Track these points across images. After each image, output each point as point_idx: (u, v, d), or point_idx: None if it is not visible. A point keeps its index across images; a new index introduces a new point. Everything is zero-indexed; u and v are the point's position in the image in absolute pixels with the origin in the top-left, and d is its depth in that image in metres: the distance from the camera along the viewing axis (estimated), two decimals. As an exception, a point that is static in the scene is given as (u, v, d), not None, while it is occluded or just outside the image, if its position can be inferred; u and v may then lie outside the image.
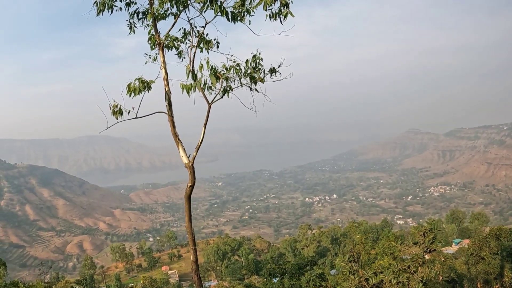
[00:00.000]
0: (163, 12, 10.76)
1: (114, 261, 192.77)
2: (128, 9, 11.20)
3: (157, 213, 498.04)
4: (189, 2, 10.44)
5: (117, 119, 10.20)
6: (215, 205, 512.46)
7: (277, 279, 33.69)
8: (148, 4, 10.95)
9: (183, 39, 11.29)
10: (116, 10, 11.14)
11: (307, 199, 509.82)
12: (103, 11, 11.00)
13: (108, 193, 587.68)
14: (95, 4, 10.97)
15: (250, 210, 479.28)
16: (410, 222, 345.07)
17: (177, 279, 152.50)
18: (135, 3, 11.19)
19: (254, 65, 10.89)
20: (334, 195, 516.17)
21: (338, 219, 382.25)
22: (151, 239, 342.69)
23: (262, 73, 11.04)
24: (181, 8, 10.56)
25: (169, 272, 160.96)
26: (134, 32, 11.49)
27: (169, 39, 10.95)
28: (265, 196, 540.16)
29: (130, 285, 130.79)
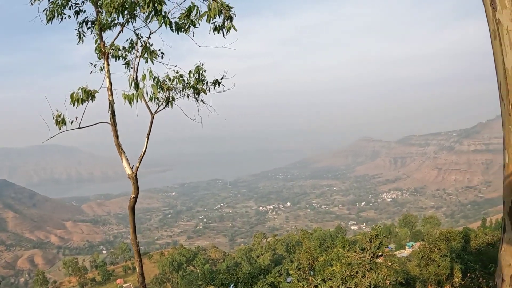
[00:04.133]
0: (110, 21, 10.65)
1: (67, 276, 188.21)
2: (77, 18, 11.03)
3: (110, 225, 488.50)
4: (135, 12, 10.36)
5: (60, 129, 10.01)
6: (169, 216, 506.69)
7: (231, 288, 33.70)
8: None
9: (130, 49, 11.20)
10: (65, 18, 10.94)
11: (261, 207, 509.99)
12: (52, 19, 10.82)
13: (60, 204, 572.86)
14: (45, 12, 10.73)
15: (205, 220, 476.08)
16: (364, 227, 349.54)
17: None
18: (84, 11, 11.03)
19: (197, 76, 10.91)
20: (288, 203, 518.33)
21: (293, 227, 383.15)
22: (104, 251, 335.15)
23: (206, 84, 11.06)
24: (126, 18, 10.47)
25: (124, 285, 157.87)
26: (82, 42, 11.31)
27: (113, 48, 10.82)
28: (219, 206, 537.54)
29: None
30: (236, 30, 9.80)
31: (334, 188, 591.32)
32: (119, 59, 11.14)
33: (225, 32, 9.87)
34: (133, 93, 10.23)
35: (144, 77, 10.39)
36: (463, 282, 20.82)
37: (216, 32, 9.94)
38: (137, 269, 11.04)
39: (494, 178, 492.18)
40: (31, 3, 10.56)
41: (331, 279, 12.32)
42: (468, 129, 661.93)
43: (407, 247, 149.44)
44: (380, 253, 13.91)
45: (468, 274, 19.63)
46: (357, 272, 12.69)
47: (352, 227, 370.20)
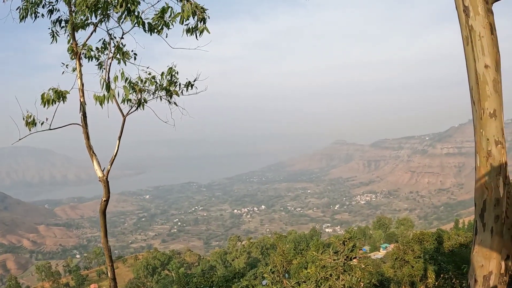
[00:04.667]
0: (83, 20, 10.48)
1: (40, 281, 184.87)
2: (50, 17, 10.83)
3: (83, 229, 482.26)
4: (108, 12, 10.22)
5: (30, 130, 9.81)
6: (143, 219, 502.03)
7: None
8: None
9: (103, 50, 11.04)
10: (38, 17, 10.73)
11: (236, 210, 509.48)
12: (26, 17, 10.61)
13: (32, 208, 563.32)
14: (18, 10, 10.51)
15: (179, 223, 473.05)
16: (339, 230, 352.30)
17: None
18: (58, 10, 10.82)
19: (170, 78, 10.81)
20: (263, 206, 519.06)
21: (267, 230, 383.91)
22: (78, 256, 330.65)
23: (178, 87, 10.97)
24: (100, 18, 10.32)
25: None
26: (56, 41, 11.10)
27: (86, 48, 10.64)
28: (193, 209, 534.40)
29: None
30: (209, 33, 9.74)
31: (309, 191, 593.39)
32: (91, 60, 10.98)
33: (198, 35, 9.78)
34: (104, 94, 10.07)
35: (116, 78, 10.22)
36: (436, 283, 21.11)
37: (189, 34, 9.85)
38: (109, 274, 10.86)
39: (466, 181, 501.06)
40: (4, 1, 10.35)
41: (305, 282, 12.30)
42: (441, 132, 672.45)
43: (381, 249, 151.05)
44: (353, 256, 13.97)
45: (442, 275, 19.88)
46: (331, 275, 12.70)
47: (327, 230, 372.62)
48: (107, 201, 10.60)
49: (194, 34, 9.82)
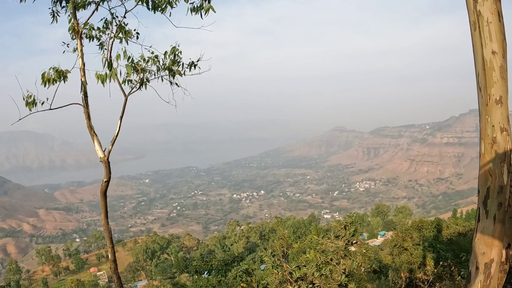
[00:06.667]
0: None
1: (40, 265, 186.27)
2: (50, -5, 10.67)
3: (83, 212, 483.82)
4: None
5: (30, 110, 9.71)
6: (143, 203, 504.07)
7: (205, 275, 33.69)
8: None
9: (104, 30, 10.89)
10: (38, -4, 10.57)
11: (235, 195, 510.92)
12: (26, -4, 10.47)
13: (32, 192, 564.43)
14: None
15: (178, 208, 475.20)
16: (337, 216, 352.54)
17: (106, 280, 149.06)
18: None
19: (173, 57, 10.67)
20: (262, 191, 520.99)
21: (266, 215, 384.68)
22: (77, 239, 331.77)
23: (181, 66, 10.85)
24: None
25: (97, 273, 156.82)
26: (56, 21, 10.88)
27: (87, 27, 10.50)
28: (192, 193, 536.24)
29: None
30: (215, 12, 9.64)
31: (308, 177, 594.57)
32: (92, 40, 10.81)
33: (203, 14, 9.69)
34: (106, 73, 9.96)
35: (118, 56, 10.11)
36: (435, 270, 21.08)
37: (194, 13, 9.75)
38: (109, 256, 10.81)
39: (465, 171, 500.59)
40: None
41: (305, 266, 12.30)
42: (441, 122, 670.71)
43: (379, 236, 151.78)
44: (354, 241, 13.96)
45: (441, 263, 19.83)
46: (331, 259, 12.69)
47: (325, 216, 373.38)
48: (108, 182, 10.52)
49: (199, 13, 9.72)
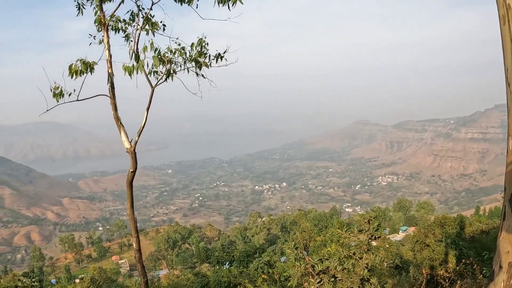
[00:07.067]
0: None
1: (63, 252, 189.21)
2: (76, -12, 10.72)
3: (106, 202, 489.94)
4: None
5: (57, 101, 9.81)
6: (165, 193, 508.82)
7: (226, 266, 33.81)
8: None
9: (130, 22, 10.93)
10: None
11: (257, 187, 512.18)
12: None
13: (56, 181, 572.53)
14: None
15: (200, 198, 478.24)
16: (359, 210, 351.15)
17: (128, 268, 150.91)
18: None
19: (200, 49, 10.67)
20: (284, 183, 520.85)
21: (288, 207, 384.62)
22: (100, 228, 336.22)
23: (208, 58, 10.85)
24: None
25: (119, 261, 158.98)
26: (82, 13, 10.94)
27: (113, 19, 10.56)
28: (215, 184, 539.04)
29: (80, 276, 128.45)
30: (242, 3, 9.62)
31: (330, 170, 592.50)
32: (118, 32, 10.85)
33: (230, 5, 9.67)
34: (133, 65, 10.02)
35: (145, 48, 10.14)
36: (457, 268, 20.84)
37: (221, 5, 9.73)
38: (134, 245, 10.92)
39: (489, 167, 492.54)
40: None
41: (328, 260, 12.27)
42: (466, 117, 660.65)
43: (400, 231, 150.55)
44: (378, 235, 13.89)
45: (463, 260, 19.60)
46: (354, 253, 12.64)
47: (347, 209, 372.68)
48: (134, 172, 10.64)
49: (226, 4, 9.70)
